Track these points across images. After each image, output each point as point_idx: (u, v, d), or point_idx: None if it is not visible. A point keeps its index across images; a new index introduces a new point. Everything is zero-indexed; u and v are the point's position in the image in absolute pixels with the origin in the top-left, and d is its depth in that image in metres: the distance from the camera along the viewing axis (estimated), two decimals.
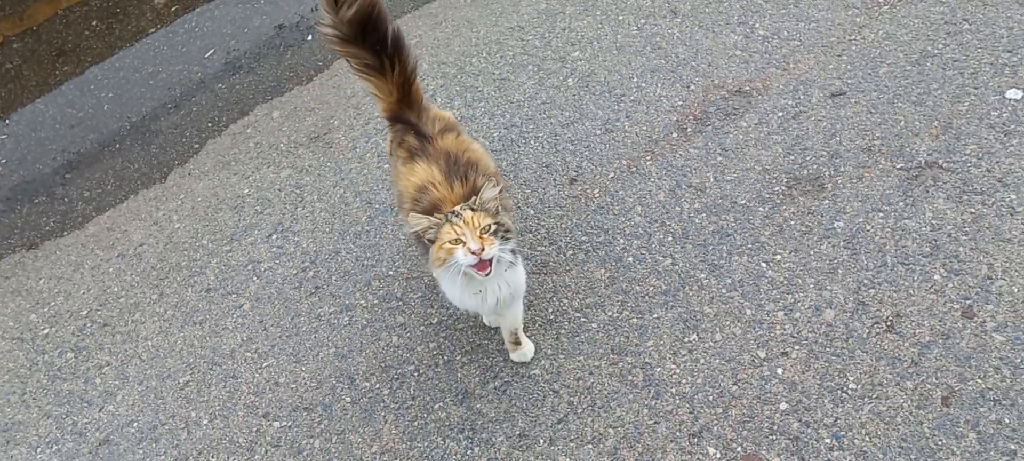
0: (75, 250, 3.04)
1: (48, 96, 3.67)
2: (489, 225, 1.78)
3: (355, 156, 2.96)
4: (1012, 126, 2.33)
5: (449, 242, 1.77)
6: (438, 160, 2.05)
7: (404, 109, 2.22)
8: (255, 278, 2.72)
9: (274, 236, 2.82)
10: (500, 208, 1.86)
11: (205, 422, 2.39)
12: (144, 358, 2.61)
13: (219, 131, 3.26)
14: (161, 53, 3.67)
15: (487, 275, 1.77)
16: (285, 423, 2.32)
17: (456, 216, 1.79)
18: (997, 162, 2.27)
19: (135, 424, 2.45)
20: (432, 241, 1.84)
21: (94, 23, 3.93)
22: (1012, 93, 2.40)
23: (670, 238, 2.38)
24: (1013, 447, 1.80)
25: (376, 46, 2.12)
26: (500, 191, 2.01)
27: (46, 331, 2.79)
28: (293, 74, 3.37)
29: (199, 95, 3.43)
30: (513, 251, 1.88)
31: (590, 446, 2.05)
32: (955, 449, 1.83)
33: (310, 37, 3.49)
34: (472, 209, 1.80)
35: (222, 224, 2.92)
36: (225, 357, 2.53)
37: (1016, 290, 2.03)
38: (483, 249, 1.72)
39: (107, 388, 2.57)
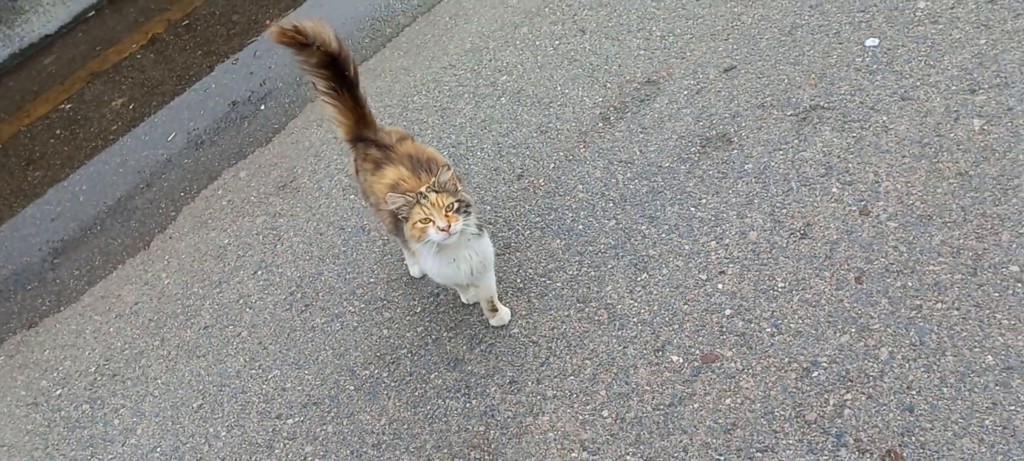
0: (74, 320, 3.13)
1: (25, 200, 3.77)
2: (452, 203, 2.00)
3: (322, 194, 3.16)
4: (874, 66, 2.68)
5: (420, 221, 1.99)
6: (403, 161, 2.28)
7: (363, 130, 2.45)
8: (248, 309, 2.87)
9: (259, 272, 2.98)
10: (457, 186, 2.08)
11: (223, 434, 2.51)
12: (156, 395, 2.72)
13: (192, 198, 3.42)
14: (126, 145, 3.82)
15: (452, 237, 1.99)
16: (298, 418, 2.46)
17: (424, 197, 2.01)
18: (867, 95, 2.61)
19: (158, 450, 2.55)
20: (406, 220, 2.05)
21: (58, 132, 4.07)
22: (870, 41, 2.77)
23: (611, 204, 2.64)
24: (918, 302, 2.08)
25: (337, 73, 2.35)
26: (460, 184, 2.25)
27: (59, 392, 2.87)
28: (253, 139, 3.56)
29: (168, 172, 3.59)
30: (479, 226, 2.12)
31: (572, 377, 2.26)
32: (873, 314, 2.10)
33: (263, 107, 3.70)
34: (435, 191, 2.02)
35: (209, 272, 3.07)
36: (231, 378, 2.66)
37: (900, 187, 2.34)
38: (449, 226, 1.95)
39: (125, 426, 2.66)
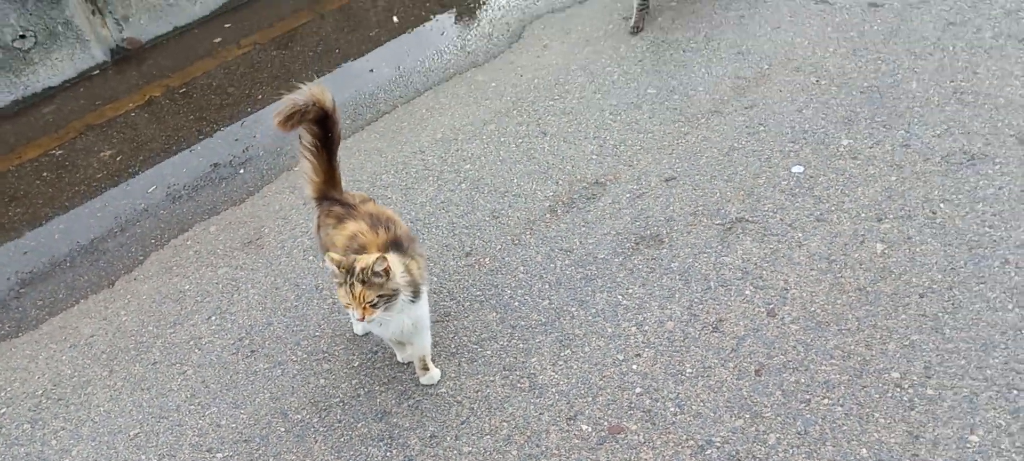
0: (29, 346, 3.24)
1: (1, 234, 3.93)
2: (374, 298, 2.20)
3: (284, 253, 3.34)
4: (796, 189, 2.93)
5: (344, 301, 2.20)
6: (363, 218, 2.48)
7: (330, 190, 2.66)
8: (197, 350, 3.00)
9: (213, 318, 3.13)
10: (385, 278, 2.25)
11: None
12: (96, 421, 2.82)
13: (162, 245, 3.59)
14: (107, 193, 4.01)
15: (369, 321, 2.19)
16: (227, 453, 2.57)
17: (351, 283, 2.20)
18: (787, 213, 2.85)
19: None
20: (339, 285, 2.24)
21: (45, 174, 4.26)
22: (796, 168, 3.03)
23: (547, 286, 2.84)
24: (808, 397, 2.26)
25: (325, 133, 2.58)
26: (413, 244, 2.46)
27: (3, 411, 2.96)
28: (228, 198, 3.76)
29: (143, 220, 3.77)
30: (415, 292, 2.31)
31: (488, 437, 2.39)
32: (766, 403, 2.27)
33: (242, 170, 3.91)
34: (363, 282, 2.21)
35: (166, 313, 3.21)
36: (171, 411, 2.77)
37: (805, 295, 2.55)
38: (363, 317, 2.16)
39: (62, 447, 2.75)
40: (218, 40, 5.03)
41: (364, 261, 2.19)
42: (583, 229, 3.00)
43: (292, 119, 2.51)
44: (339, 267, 2.17)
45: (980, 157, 2.82)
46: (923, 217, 2.68)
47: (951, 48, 3.32)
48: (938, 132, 2.96)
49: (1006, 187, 2.69)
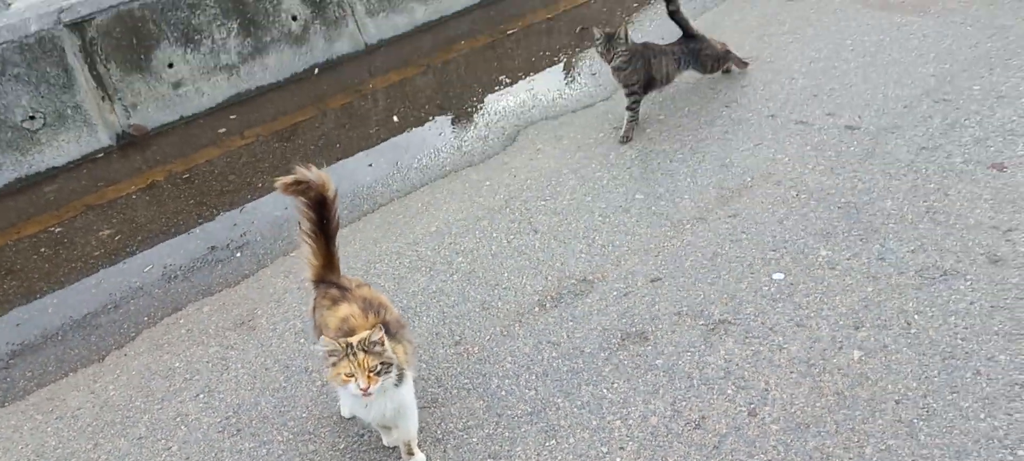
0: (15, 417, 3.23)
1: None
2: (376, 365, 2.27)
3: (276, 335, 3.38)
4: (777, 295, 3.03)
5: (345, 373, 2.25)
6: (357, 301, 2.56)
7: (328, 274, 2.75)
8: (183, 427, 3.00)
9: (201, 395, 3.14)
10: (383, 347, 2.33)
11: None
12: None
13: (154, 323, 3.62)
14: (104, 271, 4.06)
15: (369, 401, 2.24)
16: None
17: (353, 353, 2.27)
18: (768, 317, 2.94)
19: None
20: (333, 366, 2.30)
21: (42, 250, 4.31)
22: (777, 275, 3.14)
23: (534, 377, 2.89)
24: None
25: (322, 219, 2.67)
26: (402, 330, 2.53)
27: None
28: (223, 280, 3.82)
29: (137, 298, 3.81)
30: (400, 376, 2.37)
31: None
32: None
33: (239, 254, 3.99)
34: (364, 351, 2.28)
35: (154, 389, 3.22)
36: None
37: (785, 396, 2.61)
38: (369, 387, 2.22)
39: None
40: (222, 130, 5.17)
41: (361, 333, 2.25)
42: (571, 323, 3.07)
43: (295, 187, 2.61)
44: (338, 344, 2.22)
45: (952, 273, 2.94)
46: (898, 327, 2.77)
47: (924, 171, 3.48)
48: (912, 248, 3.08)
49: (977, 302, 2.79)
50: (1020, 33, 4.31)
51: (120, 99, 5.12)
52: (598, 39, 4.04)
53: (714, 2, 5.53)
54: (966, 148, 3.56)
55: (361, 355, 2.22)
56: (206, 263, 3.95)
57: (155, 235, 4.23)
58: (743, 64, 4.46)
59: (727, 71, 4.47)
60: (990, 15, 4.56)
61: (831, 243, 3.21)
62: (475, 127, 4.64)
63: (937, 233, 3.14)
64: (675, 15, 4.24)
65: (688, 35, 4.28)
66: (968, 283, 2.89)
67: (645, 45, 4.12)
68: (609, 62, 4.03)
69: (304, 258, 2.73)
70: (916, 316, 2.80)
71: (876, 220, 3.27)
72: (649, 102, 4.36)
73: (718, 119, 4.16)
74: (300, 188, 2.63)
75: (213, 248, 4.05)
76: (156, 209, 4.46)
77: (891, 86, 4.11)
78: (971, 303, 2.80)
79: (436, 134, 4.68)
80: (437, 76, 5.41)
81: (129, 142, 5.17)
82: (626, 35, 3.96)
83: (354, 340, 2.25)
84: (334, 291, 2.63)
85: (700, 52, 4.23)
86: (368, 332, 2.27)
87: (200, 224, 4.27)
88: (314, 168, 2.60)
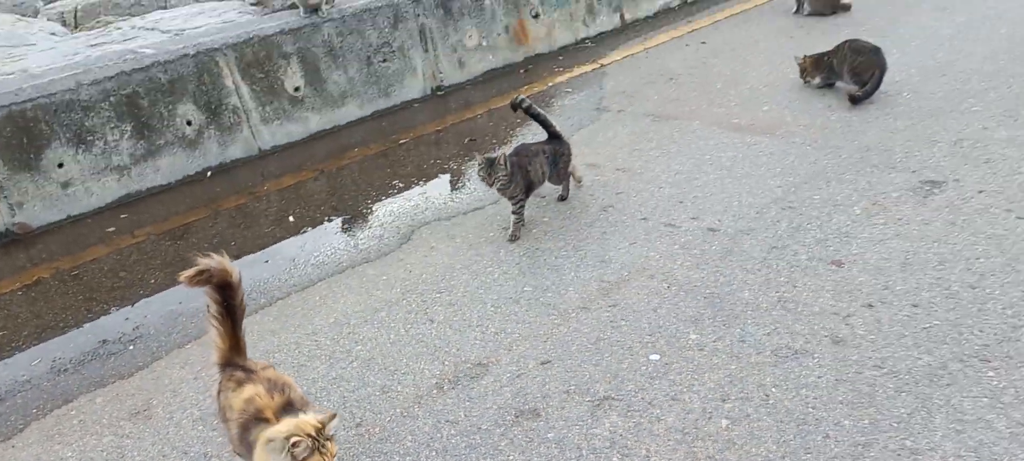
0: None
1: None
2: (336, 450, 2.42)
3: (173, 424, 3.38)
4: (655, 373, 3.33)
5: None
6: (261, 383, 2.67)
7: (235, 357, 2.85)
8: None
9: None
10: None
11: None
12: None
13: (44, 415, 3.54)
14: None
15: None
16: None
17: (322, 446, 2.40)
18: (647, 393, 3.22)
19: None
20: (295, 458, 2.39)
21: None
22: (653, 356, 3.45)
23: (434, 453, 3.03)
24: None
25: (228, 303, 2.79)
26: (306, 407, 2.66)
27: None
28: (115, 373, 3.78)
29: (25, 391, 3.71)
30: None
31: None
32: None
33: (132, 347, 3.96)
34: (329, 439, 2.42)
35: None
36: None
37: None
38: None
39: None
40: (112, 229, 5.15)
41: (313, 423, 2.37)
42: (467, 403, 3.26)
43: (198, 278, 2.73)
44: (306, 436, 2.32)
45: (802, 352, 3.33)
46: (759, 399, 3.11)
47: (775, 266, 3.93)
48: (767, 331, 3.47)
49: (823, 377, 3.17)
50: (850, 152, 4.96)
51: (6, 197, 5.03)
52: (480, 165, 4.28)
53: (590, 120, 6.04)
54: (809, 248, 4.04)
55: (331, 446, 2.34)
56: (98, 356, 3.91)
57: (42, 330, 4.15)
58: (578, 180, 4.84)
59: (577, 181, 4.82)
60: (825, 137, 5.22)
61: (699, 328, 3.56)
62: (370, 227, 4.84)
63: (788, 319, 3.54)
64: (529, 110, 4.57)
65: (552, 135, 4.61)
66: (815, 360, 3.28)
67: (519, 155, 4.43)
68: (491, 186, 4.31)
69: (211, 342, 2.82)
70: (773, 389, 3.14)
71: (736, 308, 3.65)
72: (534, 206, 4.69)
73: (597, 221, 4.54)
74: (203, 278, 2.75)
75: (104, 341, 4.01)
76: (43, 305, 4.38)
77: (745, 195, 4.62)
78: (819, 377, 3.18)
79: (332, 233, 4.85)
80: (332, 180, 5.60)
81: (12, 240, 5.06)
82: (505, 161, 4.25)
83: (313, 430, 2.36)
84: (240, 373, 2.74)
85: (560, 156, 4.59)
86: (321, 419, 2.40)
87: (90, 319, 4.22)
88: (215, 256, 2.73)
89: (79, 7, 9.46)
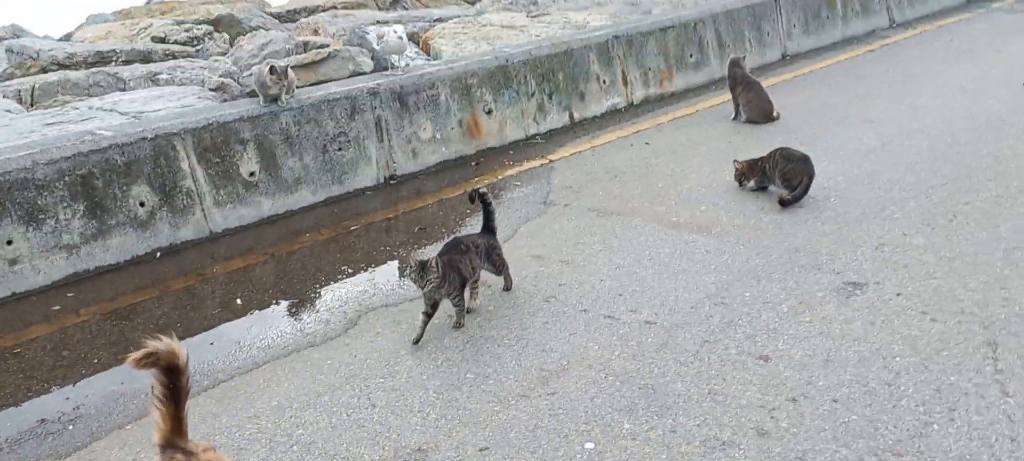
0: None
1: None
2: None
3: None
4: (589, 460, 3.44)
5: None
6: None
7: (176, 438, 2.89)
8: None
9: None
10: None
11: None
12: None
13: None
14: None
15: None
16: None
17: None
18: None
19: None
20: None
21: None
22: (588, 444, 3.56)
23: None
24: None
25: (174, 384, 2.84)
26: None
27: None
28: (53, 452, 3.74)
29: None
30: None
31: None
32: None
33: (71, 427, 3.94)
34: None
35: None
36: None
37: None
38: None
39: None
40: (57, 308, 5.14)
41: None
42: None
43: (145, 361, 2.78)
44: None
45: (729, 443, 3.48)
46: None
47: (707, 359, 4.10)
48: (697, 422, 3.62)
49: None
50: (780, 252, 5.23)
51: None
52: (411, 267, 4.26)
53: (537, 213, 6.25)
54: (739, 342, 4.23)
55: None
56: (35, 435, 3.88)
57: None
58: (510, 281, 4.97)
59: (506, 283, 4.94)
60: (757, 238, 5.49)
61: (633, 417, 3.69)
62: (317, 311, 4.92)
63: (717, 411, 3.70)
64: (486, 201, 4.75)
65: (488, 228, 4.77)
66: (741, 452, 3.43)
67: (450, 252, 4.46)
68: (422, 288, 4.29)
69: (153, 422, 2.86)
70: None
71: (669, 399, 3.80)
72: (480, 295, 4.83)
73: (540, 311, 4.69)
74: (150, 360, 2.81)
75: (43, 421, 3.99)
76: None
77: (681, 290, 4.83)
78: None
79: (279, 317, 4.91)
80: (281, 264, 5.68)
81: None
82: (437, 264, 4.26)
83: None
84: (180, 455, 2.78)
85: (492, 250, 4.76)
86: None
87: (29, 398, 4.20)
88: (165, 338, 2.79)
89: (36, 85, 9.48)
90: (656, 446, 3.49)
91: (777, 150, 6.18)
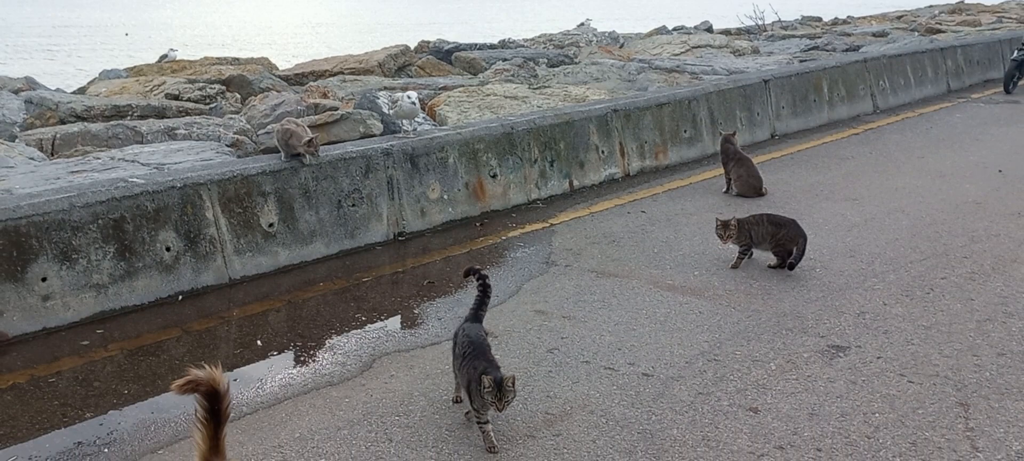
0: None
1: None
2: None
3: None
4: None
5: None
6: None
7: (213, 456, 3.16)
8: None
9: None
10: None
11: None
12: None
13: None
14: None
15: None
16: None
17: None
18: None
19: None
20: None
21: None
22: None
23: None
24: None
25: (215, 408, 3.13)
26: None
27: None
28: None
29: None
30: None
31: None
32: None
33: (107, 450, 4.19)
34: None
35: None
36: None
37: None
38: None
39: None
40: (86, 342, 5.41)
41: None
42: None
43: (188, 387, 3.07)
44: None
45: None
46: None
47: (700, 409, 4.41)
48: None
49: None
50: (768, 316, 5.58)
51: None
52: (487, 389, 3.92)
53: (539, 271, 6.59)
54: (730, 395, 4.55)
55: None
56: (73, 457, 4.13)
57: (17, 430, 4.35)
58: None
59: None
60: (747, 301, 5.85)
61: (632, 459, 3.98)
62: (334, 353, 5.21)
63: (710, 455, 4.00)
64: (483, 284, 4.48)
65: (478, 316, 4.45)
66: None
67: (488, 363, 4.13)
68: (501, 410, 4.00)
69: (194, 443, 3.13)
70: None
71: (665, 443, 4.10)
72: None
73: (543, 362, 5.00)
74: (191, 386, 3.09)
75: (79, 443, 4.24)
76: (19, 408, 4.59)
77: (676, 346, 5.15)
78: None
79: (297, 358, 5.19)
80: (297, 310, 5.98)
81: None
82: (513, 383, 3.97)
83: None
84: None
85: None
86: None
87: (66, 423, 4.45)
88: (207, 367, 3.08)
89: (58, 135, 9.86)
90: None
91: (763, 215, 6.55)
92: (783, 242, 6.36)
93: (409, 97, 7.98)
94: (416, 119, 9.38)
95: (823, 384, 4.64)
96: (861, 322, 5.44)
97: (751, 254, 6.61)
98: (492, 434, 4.10)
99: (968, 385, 4.57)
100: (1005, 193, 8.52)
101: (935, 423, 4.21)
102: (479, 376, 3.95)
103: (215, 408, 3.08)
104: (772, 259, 6.45)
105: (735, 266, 6.54)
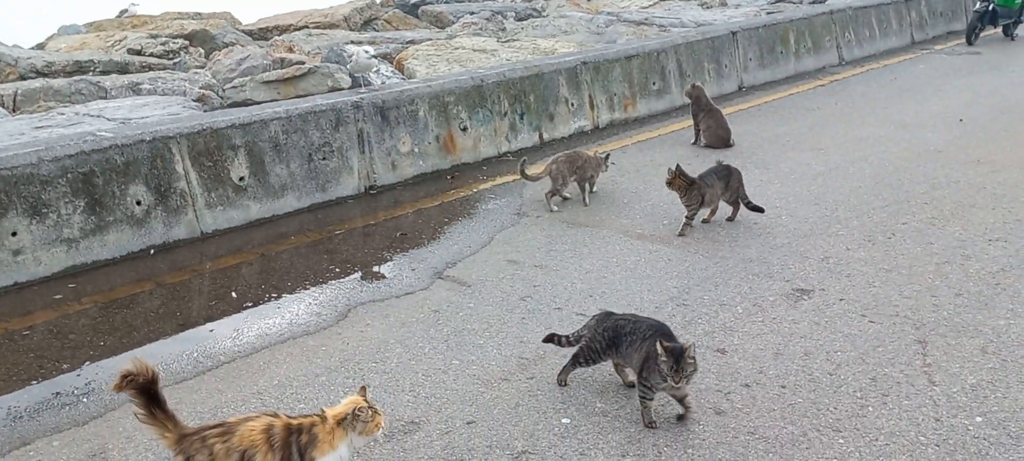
0: None
1: None
2: None
3: None
4: (565, 433, 3.84)
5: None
6: (249, 420, 3.11)
7: (184, 429, 3.22)
8: None
9: None
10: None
11: None
12: None
13: (2, 455, 3.78)
14: None
15: None
16: None
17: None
18: (558, 450, 3.70)
19: None
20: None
21: None
22: (564, 419, 3.97)
23: None
24: None
25: (154, 393, 3.18)
26: None
27: None
28: (71, 420, 4.02)
29: None
30: None
31: None
32: None
33: (86, 399, 4.22)
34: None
35: None
36: None
37: None
38: None
39: None
40: (58, 296, 5.41)
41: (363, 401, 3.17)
42: (401, 454, 3.69)
43: (125, 383, 3.13)
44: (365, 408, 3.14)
45: (691, 420, 3.91)
46: (652, 455, 3.66)
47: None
48: (662, 403, 4.04)
49: (707, 440, 3.76)
50: (735, 262, 5.72)
51: None
52: (665, 362, 3.69)
53: (511, 222, 6.68)
54: (699, 337, 4.69)
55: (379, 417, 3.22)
56: (52, 406, 4.16)
57: None
58: None
59: None
60: (714, 247, 5.99)
61: (604, 398, 4.11)
62: (309, 305, 5.27)
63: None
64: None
65: None
66: (701, 427, 3.87)
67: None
68: (677, 384, 3.75)
69: (157, 435, 3.19)
70: (665, 448, 3.71)
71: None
72: (460, 293, 5.22)
73: (517, 308, 5.10)
74: (129, 381, 3.15)
75: (58, 394, 4.27)
76: None
77: (645, 292, 5.28)
78: (703, 440, 3.77)
79: (273, 309, 5.24)
80: (271, 263, 6.01)
81: None
82: (694, 352, 3.74)
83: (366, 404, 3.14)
84: (210, 432, 3.14)
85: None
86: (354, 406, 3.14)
87: (43, 375, 4.47)
88: (136, 362, 3.11)
89: (19, 91, 9.68)
90: (625, 421, 3.91)
91: (708, 170, 6.45)
92: (736, 187, 6.43)
93: (366, 51, 8.00)
94: (381, 71, 9.33)
95: (788, 325, 4.80)
96: (825, 266, 5.60)
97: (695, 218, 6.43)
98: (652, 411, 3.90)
99: (926, 324, 4.75)
100: (965, 142, 8.74)
101: (894, 360, 4.38)
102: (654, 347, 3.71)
103: (153, 394, 3.12)
104: (730, 211, 6.53)
105: (681, 234, 6.35)
